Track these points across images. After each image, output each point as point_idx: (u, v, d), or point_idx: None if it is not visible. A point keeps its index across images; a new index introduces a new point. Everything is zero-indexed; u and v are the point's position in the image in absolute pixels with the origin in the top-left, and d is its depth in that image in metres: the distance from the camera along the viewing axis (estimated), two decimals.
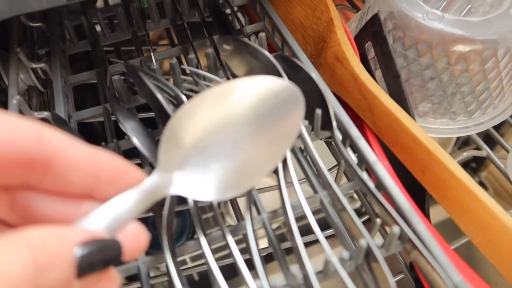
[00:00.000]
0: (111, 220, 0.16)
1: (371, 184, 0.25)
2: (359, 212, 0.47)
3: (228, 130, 0.21)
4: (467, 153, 0.36)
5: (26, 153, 0.15)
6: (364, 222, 0.43)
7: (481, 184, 0.78)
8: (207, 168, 0.21)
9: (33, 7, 0.25)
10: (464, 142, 0.76)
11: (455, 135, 0.36)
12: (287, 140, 0.24)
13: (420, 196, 0.33)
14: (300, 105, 0.23)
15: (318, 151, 0.30)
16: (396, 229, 0.22)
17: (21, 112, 0.28)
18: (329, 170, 0.43)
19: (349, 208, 0.24)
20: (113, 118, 0.31)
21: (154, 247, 0.22)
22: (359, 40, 0.34)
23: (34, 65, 0.32)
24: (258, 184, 0.29)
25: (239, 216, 0.35)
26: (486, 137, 0.40)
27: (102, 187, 0.17)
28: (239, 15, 0.45)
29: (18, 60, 0.32)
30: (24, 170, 0.16)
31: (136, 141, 0.24)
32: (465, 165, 0.78)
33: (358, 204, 0.67)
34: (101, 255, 0.15)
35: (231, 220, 0.73)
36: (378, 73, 0.34)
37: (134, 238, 0.17)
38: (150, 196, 0.18)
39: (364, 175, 0.26)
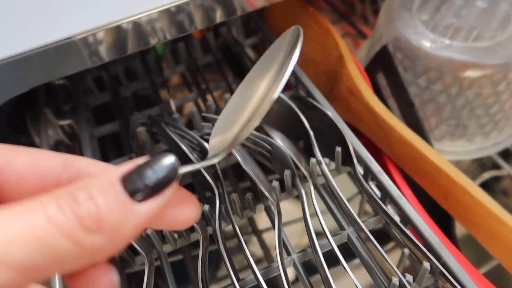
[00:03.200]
0: None
1: (396, 218, 0.25)
2: (385, 236, 0.47)
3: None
4: (488, 174, 0.36)
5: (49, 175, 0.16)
6: (390, 248, 0.43)
7: None
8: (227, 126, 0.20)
9: (62, 73, 0.27)
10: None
11: (474, 156, 0.36)
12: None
13: (445, 218, 0.33)
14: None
15: (341, 177, 0.30)
16: (426, 265, 0.23)
17: None
18: (352, 197, 0.44)
19: (378, 245, 0.24)
20: None
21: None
22: (370, 71, 0.35)
23: (61, 123, 0.33)
24: (284, 217, 0.29)
25: (267, 253, 0.36)
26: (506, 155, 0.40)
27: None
28: (251, 51, 0.47)
29: (46, 119, 0.33)
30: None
31: None
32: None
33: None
34: (149, 170, 0.14)
35: (252, 246, 0.73)
36: (391, 101, 0.35)
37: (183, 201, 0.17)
38: None
39: (390, 209, 0.27)
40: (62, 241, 0.13)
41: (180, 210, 0.17)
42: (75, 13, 0.27)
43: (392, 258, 0.25)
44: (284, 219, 0.44)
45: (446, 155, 0.36)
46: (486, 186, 0.75)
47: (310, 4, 0.58)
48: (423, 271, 0.23)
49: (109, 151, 0.44)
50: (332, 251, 0.25)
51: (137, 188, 0.14)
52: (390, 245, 0.42)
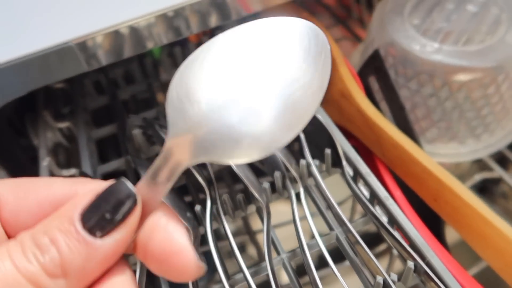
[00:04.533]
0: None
1: (384, 219, 0.26)
2: (378, 237, 0.48)
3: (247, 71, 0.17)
4: (479, 176, 0.37)
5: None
6: (383, 249, 0.44)
7: None
8: (233, 122, 0.16)
9: (59, 77, 0.28)
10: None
11: (465, 158, 0.36)
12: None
13: (436, 220, 0.34)
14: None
15: (333, 180, 0.31)
16: (410, 264, 0.23)
17: (51, 171, 0.30)
18: (346, 199, 0.44)
19: (364, 245, 0.25)
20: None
21: None
22: (363, 75, 0.36)
23: (60, 125, 0.34)
24: (273, 220, 0.30)
25: (260, 254, 0.36)
26: (500, 158, 0.40)
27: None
28: None
29: (45, 122, 0.34)
30: None
31: None
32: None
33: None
34: (106, 204, 0.14)
35: (247, 247, 0.73)
36: (383, 104, 0.35)
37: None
38: (171, 169, 0.15)
39: (377, 210, 0.27)
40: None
41: (172, 260, 0.16)
42: (71, 18, 0.28)
43: (385, 260, 0.26)
44: (280, 220, 0.45)
45: (437, 157, 0.37)
46: (485, 189, 0.75)
47: (307, 9, 0.59)
48: (407, 270, 0.23)
49: (108, 153, 0.45)
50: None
51: (97, 223, 0.14)
52: (383, 246, 0.42)
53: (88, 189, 0.15)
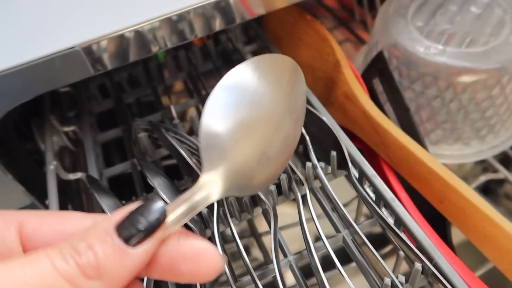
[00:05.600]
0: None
1: (390, 221, 0.26)
2: (382, 239, 0.48)
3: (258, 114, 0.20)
4: (484, 177, 0.37)
5: None
6: (388, 251, 0.44)
7: None
8: (247, 161, 0.20)
9: (66, 81, 0.28)
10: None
11: (470, 160, 0.36)
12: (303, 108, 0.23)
13: (442, 221, 0.34)
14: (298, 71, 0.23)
15: (339, 181, 0.31)
16: (418, 266, 0.23)
17: (58, 175, 0.30)
18: (351, 200, 0.44)
19: (371, 247, 0.25)
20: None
21: None
22: (367, 77, 0.36)
23: (65, 129, 0.34)
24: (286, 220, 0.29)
25: (266, 256, 0.36)
26: (504, 158, 0.40)
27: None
28: (250, 57, 0.48)
29: (51, 125, 0.34)
30: None
31: (164, 197, 0.26)
32: None
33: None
34: (140, 216, 0.16)
35: (252, 249, 0.73)
36: (388, 106, 0.35)
37: (199, 255, 0.17)
38: (204, 202, 0.18)
39: (384, 212, 0.27)
40: (67, 287, 0.15)
41: (199, 263, 0.17)
42: (78, 23, 0.28)
43: (391, 261, 0.26)
44: (285, 222, 0.45)
45: (443, 159, 0.37)
46: (489, 190, 0.75)
47: (309, 11, 0.59)
48: (415, 272, 0.23)
49: (113, 156, 0.45)
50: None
51: (130, 234, 0.16)
52: (389, 248, 0.42)
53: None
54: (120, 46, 0.29)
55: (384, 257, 0.38)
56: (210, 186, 0.18)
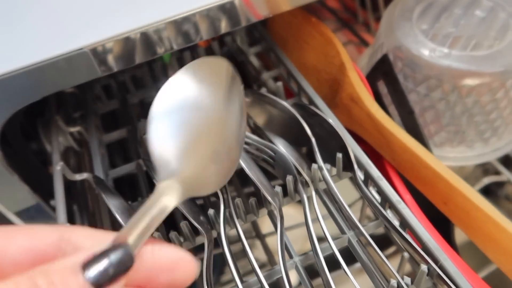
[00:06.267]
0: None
1: (396, 223, 0.26)
2: (386, 240, 0.48)
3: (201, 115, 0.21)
4: (487, 179, 0.37)
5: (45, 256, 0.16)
6: (392, 252, 0.44)
7: None
8: (200, 162, 0.21)
9: (73, 82, 0.28)
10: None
11: (474, 162, 0.36)
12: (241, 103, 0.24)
13: (446, 223, 0.34)
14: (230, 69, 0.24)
15: (343, 182, 0.31)
16: (424, 267, 0.23)
17: (64, 176, 0.30)
18: (354, 201, 0.44)
19: (377, 248, 0.25)
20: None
21: None
22: (371, 79, 0.36)
23: (71, 129, 0.35)
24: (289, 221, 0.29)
25: (270, 257, 0.37)
26: (505, 160, 0.41)
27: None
28: (255, 59, 0.48)
29: (57, 126, 0.35)
30: None
31: None
32: None
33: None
34: (107, 261, 0.15)
35: (256, 250, 0.74)
36: (392, 108, 0.36)
37: (176, 265, 0.17)
38: (164, 211, 0.18)
39: (389, 214, 0.27)
40: None
41: (177, 272, 0.17)
42: (85, 25, 0.28)
43: (393, 262, 0.26)
44: (288, 223, 0.45)
45: (446, 161, 0.37)
46: (489, 191, 0.75)
47: (313, 13, 0.59)
48: (420, 274, 0.23)
49: (117, 157, 0.45)
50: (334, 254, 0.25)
51: (97, 278, 0.15)
52: (392, 249, 0.42)
53: (80, 238, 0.17)
54: (127, 48, 0.29)
55: (387, 258, 0.38)
56: (168, 193, 0.18)
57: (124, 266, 0.15)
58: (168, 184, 0.18)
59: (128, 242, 0.16)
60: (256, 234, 0.46)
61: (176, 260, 0.17)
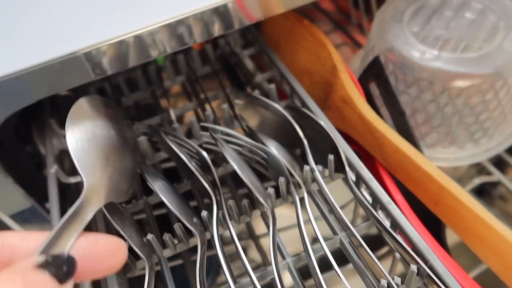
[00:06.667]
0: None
1: (387, 223, 0.26)
2: (378, 240, 0.48)
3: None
4: (478, 180, 0.37)
5: None
6: (384, 252, 0.44)
7: None
8: (114, 174, 0.25)
9: (66, 86, 0.28)
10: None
11: (465, 163, 0.37)
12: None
13: (437, 223, 0.34)
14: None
15: (336, 184, 0.31)
16: (413, 267, 0.24)
17: (58, 179, 0.31)
18: (347, 203, 0.45)
19: (368, 249, 0.25)
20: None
21: None
22: (363, 81, 0.36)
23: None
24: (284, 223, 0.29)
25: (264, 258, 0.37)
26: (498, 161, 0.41)
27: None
28: (249, 62, 0.48)
29: (51, 129, 0.35)
30: None
31: (165, 200, 0.27)
32: None
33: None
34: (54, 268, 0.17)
35: (250, 251, 0.74)
36: (384, 110, 0.36)
37: (112, 253, 0.19)
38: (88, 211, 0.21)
39: (380, 215, 0.28)
40: None
41: (108, 260, 0.19)
42: (79, 29, 0.29)
43: (387, 262, 0.26)
44: (284, 224, 0.45)
45: (437, 162, 0.37)
46: (483, 191, 0.76)
47: (307, 15, 0.59)
48: (410, 274, 0.24)
49: None
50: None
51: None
52: (385, 249, 0.43)
53: (16, 240, 0.18)
54: (120, 51, 0.29)
55: (380, 258, 0.39)
56: (92, 198, 0.21)
57: (69, 273, 0.18)
58: (94, 190, 0.22)
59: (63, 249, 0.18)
60: (250, 235, 0.46)
61: (112, 248, 0.19)
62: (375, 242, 0.41)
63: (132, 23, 0.29)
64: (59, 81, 0.28)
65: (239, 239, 0.27)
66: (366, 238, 0.28)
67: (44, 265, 0.17)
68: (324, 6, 0.61)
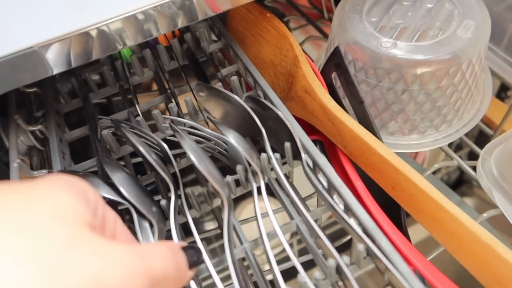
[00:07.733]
0: None
1: (339, 207, 0.27)
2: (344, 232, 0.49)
3: None
4: (438, 165, 0.38)
5: None
6: (348, 241, 0.45)
7: None
8: None
9: (25, 81, 0.29)
10: (457, 147, 0.77)
11: (426, 148, 0.38)
12: None
13: (397, 207, 0.35)
14: None
15: (301, 177, 0.32)
16: (361, 247, 0.24)
17: (22, 173, 0.31)
18: (311, 195, 0.45)
19: (319, 231, 0.26)
20: None
21: None
22: (326, 71, 0.37)
23: (31, 128, 0.35)
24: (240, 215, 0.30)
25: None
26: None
27: None
28: (216, 56, 0.49)
29: (17, 125, 0.35)
30: None
31: (123, 190, 0.27)
32: None
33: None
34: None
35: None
36: (346, 101, 0.37)
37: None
38: None
39: (335, 199, 0.28)
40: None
41: None
42: (35, 23, 0.29)
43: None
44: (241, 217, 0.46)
45: (400, 148, 0.38)
46: (463, 180, 0.76)
47: (278, 10, 0.60)
48: (358, 253, 0.24)
49: (80, 154, 0.46)
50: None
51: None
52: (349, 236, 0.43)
53: None
54: (77, 45, 0.29)
55: (347, 244, 0.39)
56: None
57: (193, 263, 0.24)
58: None
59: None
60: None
61: None
62: (342, 230, 0.42)
63: (91, 15, 0.29)
64: (16, 76, 0.28)
65: (217, 229, 0.28)
66: (334, 225, 0.29)
67: (185, 249, 0.23)
68: (297, 1, 0.62)
